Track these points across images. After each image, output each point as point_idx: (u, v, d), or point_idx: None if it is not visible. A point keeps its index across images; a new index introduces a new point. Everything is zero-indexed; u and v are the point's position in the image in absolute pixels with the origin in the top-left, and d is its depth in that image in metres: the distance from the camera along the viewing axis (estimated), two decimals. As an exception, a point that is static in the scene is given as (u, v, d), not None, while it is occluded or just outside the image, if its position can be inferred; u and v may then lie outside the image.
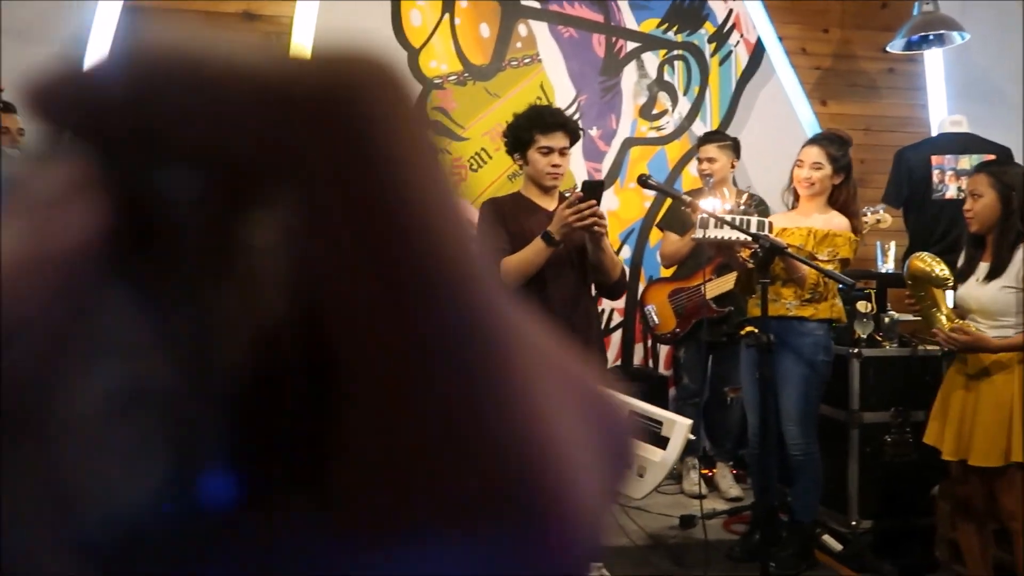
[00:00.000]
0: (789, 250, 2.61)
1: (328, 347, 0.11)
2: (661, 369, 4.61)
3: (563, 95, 4.61)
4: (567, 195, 2.39)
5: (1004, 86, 5.13)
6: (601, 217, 2.33)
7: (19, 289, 0.10)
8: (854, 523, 3.21)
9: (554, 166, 2.51)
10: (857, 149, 4.94)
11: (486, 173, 4.47)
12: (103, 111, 0.12)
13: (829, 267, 2.81)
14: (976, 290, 2.54)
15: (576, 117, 4.62)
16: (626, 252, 4.67)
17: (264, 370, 0.11)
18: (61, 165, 0.11)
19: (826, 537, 3.22)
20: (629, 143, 4.71)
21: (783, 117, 4.85)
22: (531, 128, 2.50)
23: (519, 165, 2.59)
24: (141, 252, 0.11)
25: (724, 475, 4.02)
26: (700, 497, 3.66)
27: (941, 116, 5.01)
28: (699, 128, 4.77)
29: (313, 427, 0.12)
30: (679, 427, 2.18)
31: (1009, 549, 2.62)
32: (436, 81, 4.45)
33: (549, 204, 2.59)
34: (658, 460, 2.17)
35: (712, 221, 2.59)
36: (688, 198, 2.63)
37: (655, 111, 4.75)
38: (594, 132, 4.66)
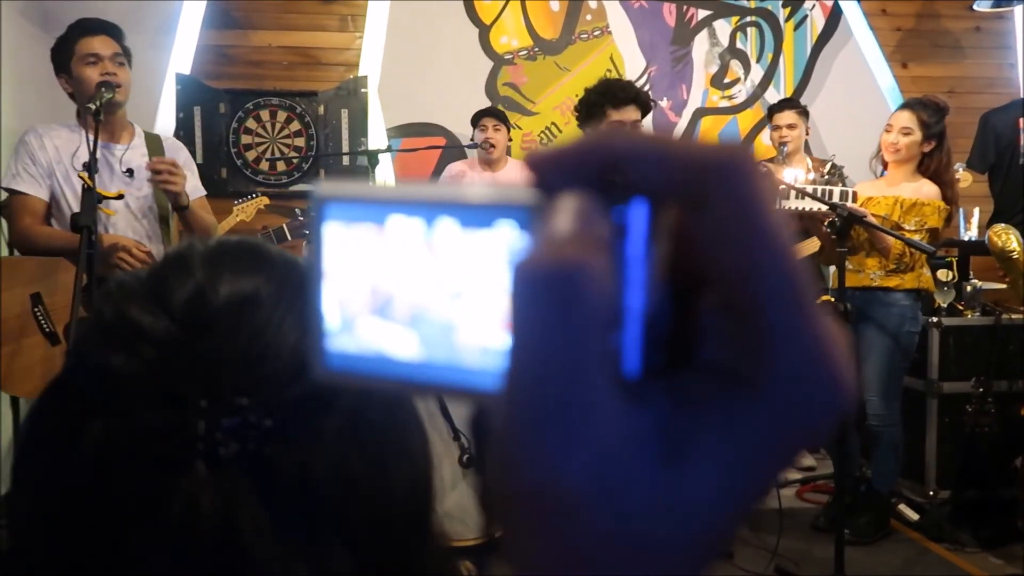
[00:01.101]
0: (871, 219, 2.59)
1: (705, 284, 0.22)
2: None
3: (633, 66, 4.60)
4: None
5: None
6: None
7: (597, 278, 0.20)
8: (932, 493, 3.18)
9: None
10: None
11: (557, 146, 4.51)
12: (598, 167, 0.22)
13: (916, 237, 2.77)
14: None
15: (646, 88, 4.61)
16: (698, 223, 4.66)
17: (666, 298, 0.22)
18: (571, 205, 0.21)
19: (902, 506, 3.21)
20: (700, 113, 4.68)
21: (861, 82, 4.73)
22: (602, 103, 2.54)
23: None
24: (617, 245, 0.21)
25: (798, 444, 4.01)
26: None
27: (1031, 75, 4.80)
28: (772, 96, 4.69)
29: (684, 330, 0.22)
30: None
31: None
32: (507, 57, 4.50)
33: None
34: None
35: (792, 192, 2.59)
36: (763, 168, 2.62)
37: (727, 80, 4.69)
38: (664, 103, 4.64)
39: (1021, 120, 3.84)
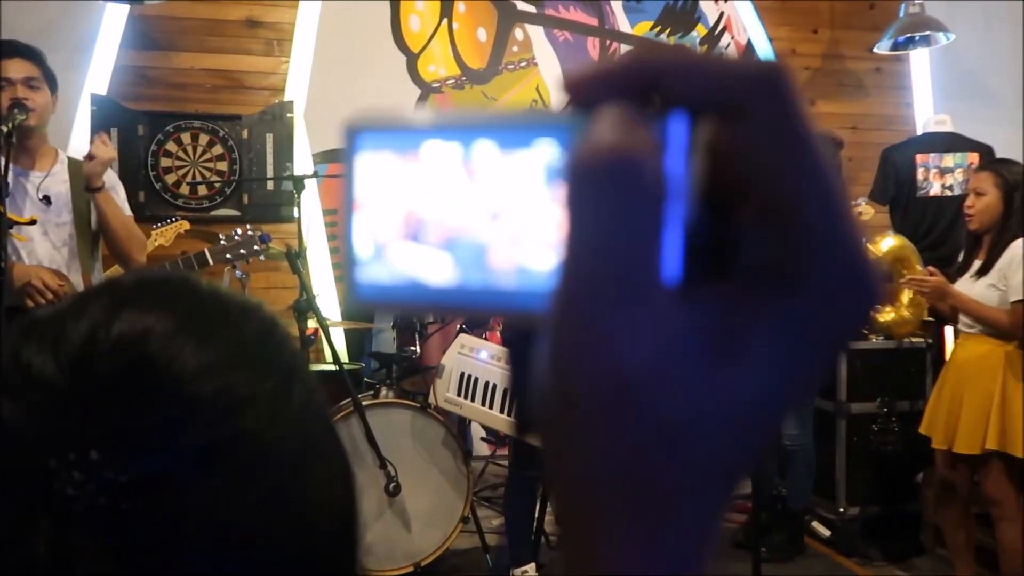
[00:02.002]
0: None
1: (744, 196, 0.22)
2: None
3: (558, 97, 4.70)
4: None
5: (989, 83, 5.25)
6: None
7: (653, 166, 0.21)
8: (842, 510, 3.33)
9: None
10: (845, 148, 5.07)
11: (484, 174, 4.57)
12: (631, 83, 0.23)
13: None
14: (967, 286, 2.59)
15: (571, 118, 4.73)
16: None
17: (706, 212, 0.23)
18: (613, 115, 0.22)
19: (815, 524, 3.35)
20: (623, 143, 4.81)
21: (773, 117, 4.95)
22: None
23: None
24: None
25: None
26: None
27: (926, 114, 5.13)
28: (691, 128, 4.87)
29: (722, 241, 0.23)
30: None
31: (990, 532, 2.74)
32: (434, 85, 4.55)
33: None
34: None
35: None
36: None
37: (648, 112, 4.85)
38: (589, 133, 4.76)
39: (917, 156, 4.10)
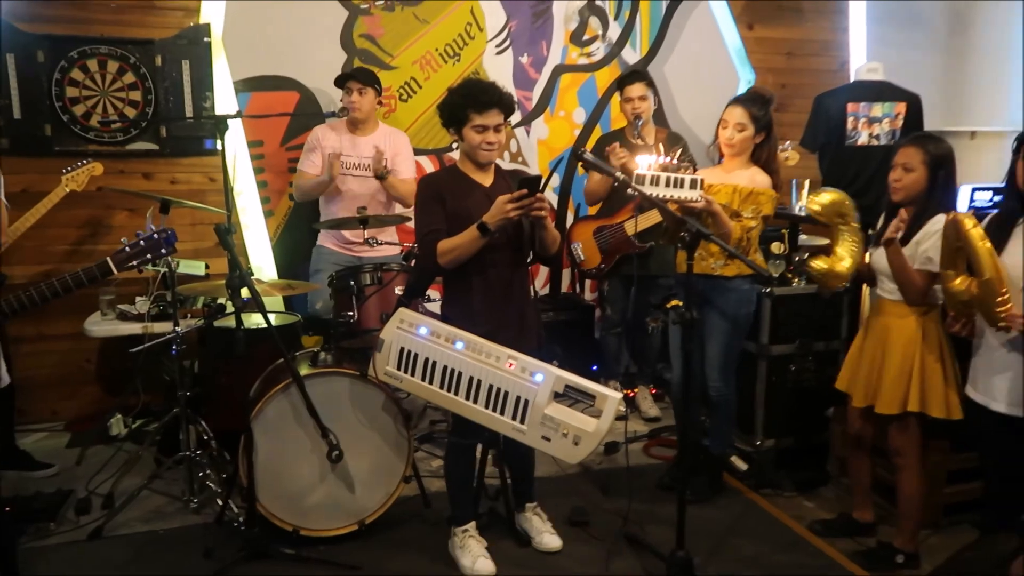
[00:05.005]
0: (716, 209, 2.79)
1: None
2: (587, 295, 4.83)
3: (493, 21, 4.50)
4: (516, 173, 2.44)
5: (921, 9, 5.26)
6: (545, 205, 2.43)
7: None
8: (759, 443, 3.56)
9: (488, 143, 2.54)
10: (779, 74, 5.07)
11: (416, 103, 4.40)
12: None
13: (752, 223, 3.00)
14: (881, 254, 2.70)
15: (506, 44, 4.55)
16: (555, 180, 4.75)
17: None
18: None
19: (734, 458, 3.59)
20: (560, 70, 4.69)
21: (711, 42, 4.89)
22: (465, 107, 2.50)
23: (454, 141, 2.62)
24: None
25: (644, 396, 4.34)
26: (624, 419, 3.95)
27: (860, 39, 5.14)
28: (629, 54, 4.76)
29: None
30: (611, 401, 2.37)
31: (883, 465, 3.02)
32: (363, 7, 4.28)
33: (485, 179, 2.65)
34: (591, 431, 2.38)
35: (648, 178, 2.70)
36: (623, 176, 2.70)
37: (586, 37, 4.71)
38: (524, 59, 4.60)
39: (849, 104, 4.13)
